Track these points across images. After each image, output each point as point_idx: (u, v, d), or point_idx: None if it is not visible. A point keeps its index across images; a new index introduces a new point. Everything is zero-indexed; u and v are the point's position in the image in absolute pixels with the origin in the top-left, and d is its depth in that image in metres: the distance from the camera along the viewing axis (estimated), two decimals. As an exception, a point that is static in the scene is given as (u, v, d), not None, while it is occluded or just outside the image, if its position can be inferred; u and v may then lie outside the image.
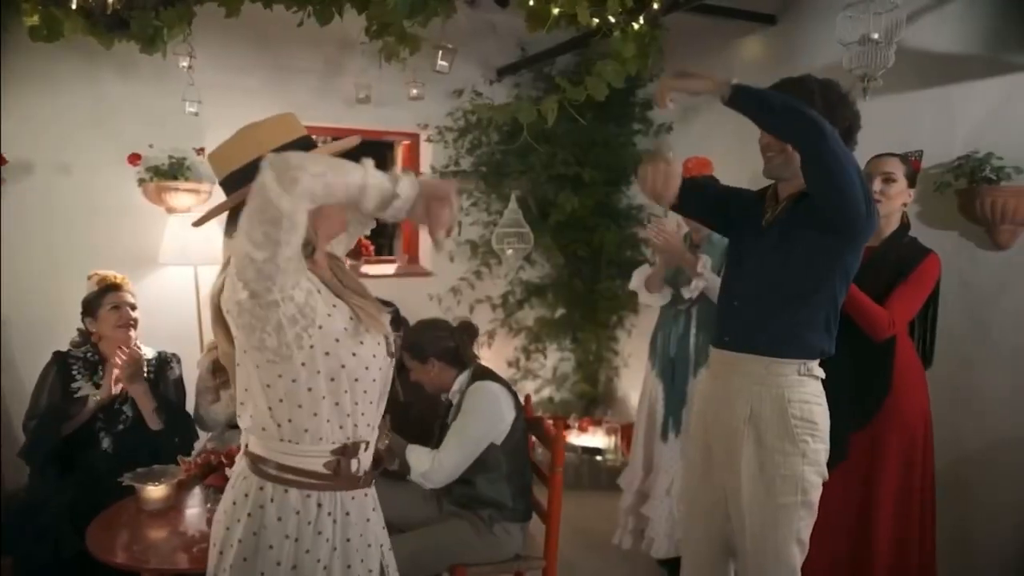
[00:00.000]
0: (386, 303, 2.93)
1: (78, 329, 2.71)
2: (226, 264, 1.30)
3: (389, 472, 2.53)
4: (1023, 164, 2.50)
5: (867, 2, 2.23)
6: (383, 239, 6.34)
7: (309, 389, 1.30)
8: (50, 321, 3.15)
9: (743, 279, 1.87)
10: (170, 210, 3.61)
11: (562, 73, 4.24)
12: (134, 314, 2.70)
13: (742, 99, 1.64)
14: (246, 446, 1.39)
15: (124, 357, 2.51)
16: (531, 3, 2.94)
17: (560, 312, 4.56)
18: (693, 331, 3.02)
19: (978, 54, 2.65)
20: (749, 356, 1.81)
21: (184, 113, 3.57)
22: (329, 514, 1.34)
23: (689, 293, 2.93)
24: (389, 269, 4.35)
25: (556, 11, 2.92)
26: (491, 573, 2.34)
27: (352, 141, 1.42)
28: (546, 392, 4.68)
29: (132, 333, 2.67)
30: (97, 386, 2.58)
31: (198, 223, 1.48)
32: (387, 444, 2.31)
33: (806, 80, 1.80)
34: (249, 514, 1.32)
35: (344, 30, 3.32)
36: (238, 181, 1.31)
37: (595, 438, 4.26)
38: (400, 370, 2.85)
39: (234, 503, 1.35)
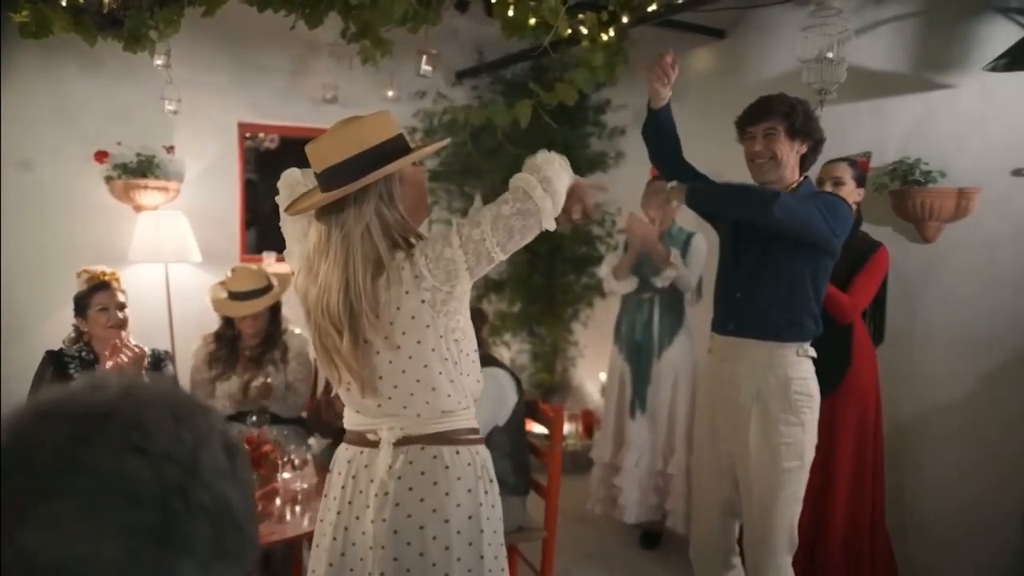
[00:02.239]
0: None
1: (73, 326, 2.69)
2: (348, 263, 1.39)
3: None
4: (946, 169, 2.87)
5: (823, 25, 2.53)
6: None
7: (468, 355, 1.51)
8: (16, 319, 3.09)
9: (743, 271, 2.12)
10: (138, 208, 3.58)
11: (517, 77, 4.44)
12: (123, 314, 2.71)
13: (698, 202, 2.06)
14: (430, 434, 1.47)
15: (129, 354, 2.52)
16: (510, 13, 3.11)
17: (518, 306, 4.76)
18: (656, 317, 3.31)
19: (905, 73, 3.02)
20: (754, 341, 2.07)
21: (152, 110, 3.55)
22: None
23: (661, 282, 3.20)
24: (354, 266, 4.42)
25: (533, 20, 3.12)
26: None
27: (441, 144, 1.60)
28: (505, 383, 4.87)
29: (123, 333, 2.68)
30: (93, 383, 2.58)
31: (293, 212, 1.52)
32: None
33: (784, 98, 2.08)
34: (469, 489, 1.48)
35: (312, 31, 3.39)
36: (340, 174, 1.39)
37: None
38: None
39: (447, 493, 1.45)
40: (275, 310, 2.98)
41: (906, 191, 2.91)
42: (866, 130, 3.15)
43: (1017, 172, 2.70)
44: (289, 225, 1.61)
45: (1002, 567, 2.68)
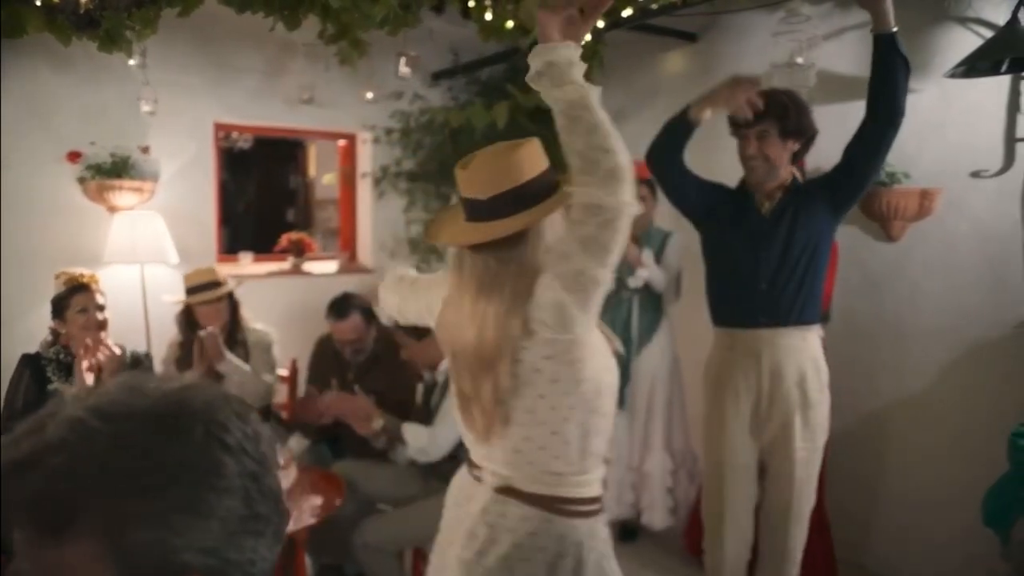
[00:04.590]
0: (353, 303, 3.07)
1: (50, 328, 2.67)
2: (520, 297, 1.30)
3: (374, 451, 2.69)
4: (910, 170, 2.98)
5: (793, 32, 2.62)
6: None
7: (601, 412, 1.40)
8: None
9: (766, 262, 2.18)
10: (112, 209, 3.55)
11: (493, 79, 4.48)
12: (102, 316, 2.70)
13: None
14: (530, 494, 1.36)
15: (106, 354, 2.51)
16: (488, 17, 3.15)
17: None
18: (635, 316, 3.37)
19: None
20: (789, 329, 2.16)
21: (126, 110, 3.53)
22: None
23: (634, 283, 3.27)
24: (331, 267, 4.43)
25: (510, 23, 3.16)
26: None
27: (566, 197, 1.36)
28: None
29: (103, 334, 2.67)
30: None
31: (461, 242, 1.39)
32: (383, 424, 2.48)
33: (777, 96, 2.14)
34: (550, 564, 1.34)
35: (286, 32, 3.38)
36: (515, 201, 1.31)
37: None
38: (375, 360, 3.01)
39: (524, 560, 1.34)
40: (234, 310, 3.01)
41: (872, 191, 3.00)
42: (834, 133, 3.24)
43: (975, 174, 2.82)
44: (402, 285, 1.63)
45: (962, 555, 2.79)
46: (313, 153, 7.59)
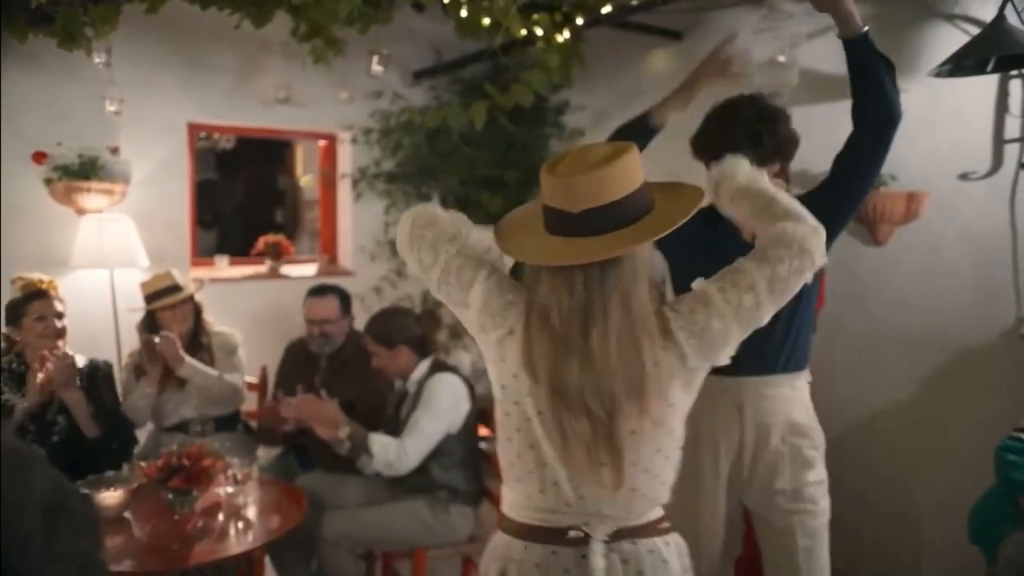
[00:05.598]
0: (336, 288, 3.00)
1: (4, 335, 2.58)
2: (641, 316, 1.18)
3: (341, 460, 2.60)
4: (896, 172, 2.89)
5: (774, 29, 2.52)
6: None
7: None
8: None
9: None
10: (80, 211, 3.46)
11: (476, 78, 4.39)
12: (61, 323, 2.61)
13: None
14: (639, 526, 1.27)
15: (54, 362, 2.42)
16: (463, 13, 3.07)
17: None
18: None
19: (857, 75, 3.04)
20: (778, 377, 1.81)
21: (94, 109, 3.43)
22: None
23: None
24: (310, 270, 4.34)
25: (487, 21, 3.08)
26: (448, 555, 2.46)
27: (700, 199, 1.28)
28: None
29: (60, 343, 2.58)
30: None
31: (558, 262, 1.19)
32: (348, 432, 2.39)
33: (745, 119, 1.85)
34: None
35: (261, 30, 3.29)
36: (617, 216, 1.17)
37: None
38: (344, 365, 2.92)
39: None
40: (197, 314, 2.93)
41: (858, 194, 2.92)
42: (819, 134, 3.15)
43: (963, 176, 2.74)
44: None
45: (950, 566, 2.71)
46: (300, 153, 7.51)
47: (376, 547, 2.60)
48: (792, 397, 1.84)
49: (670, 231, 1.17)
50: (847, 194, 1.84)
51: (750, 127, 1.81)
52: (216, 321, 3.14)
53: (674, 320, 1.20)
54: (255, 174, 7.78)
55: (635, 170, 1.21)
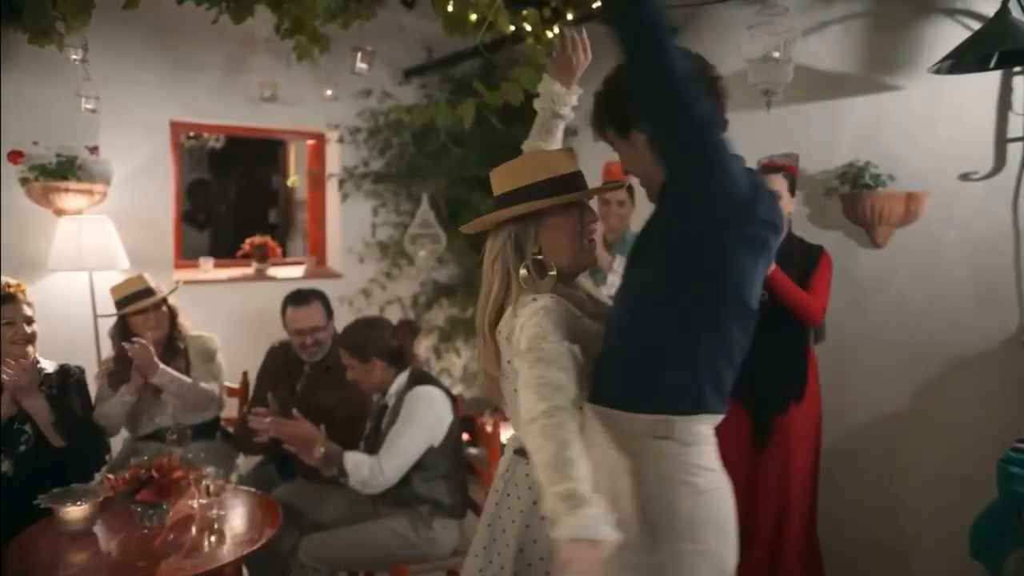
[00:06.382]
0: (316, 292, 2.90)
1: (-30, 343, 2.49)
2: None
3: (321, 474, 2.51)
4: (895, 172, 2.81)
5: (768, 24, 2.44)
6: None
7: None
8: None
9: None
10: (59, 212, 3.37)
11: (467, 76, 4.30)
12: (31, 328, 2.52)
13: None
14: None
15: (13, 370, 2.34)
16: (449, 8, 2.97)
17: (470, 312, 4.62)
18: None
19: (854, 73, 2.95)
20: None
21: (72, 108, 3.33)
22: None
23: (607, 290, 3.09)
24: (297, 271, 4.25)
25: (474, 17, 2.98)
26: (430, 570, 2.38)
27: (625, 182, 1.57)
28: (457, 390, 4.73)
29: (30, 348, 2.50)
30: (-7, 406, 2.39)
31: (468, 230, 1.63)
32: (323, 452, 2.30)
33: (599, 92, 1.46)
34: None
35: (246, 26, 3.21)
36: (513, 198, 1.49)
37: (508, 433, 4.35)
38: (326, 372, 2.83)
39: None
40: (173, 319, 2.83)
41: (856, 195, 2.84)
42: (815, 132, 3.07)
43: (964, 176, 2.65)
44: None
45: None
46: (293, 153, 7.41)
47: (356, 567, 2.50)
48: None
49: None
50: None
51: (599, 96, 1.46)
52: (201, 325, 3.06)
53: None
54: (248, 174, 7.69)
55: (539, 169, 1.52)
